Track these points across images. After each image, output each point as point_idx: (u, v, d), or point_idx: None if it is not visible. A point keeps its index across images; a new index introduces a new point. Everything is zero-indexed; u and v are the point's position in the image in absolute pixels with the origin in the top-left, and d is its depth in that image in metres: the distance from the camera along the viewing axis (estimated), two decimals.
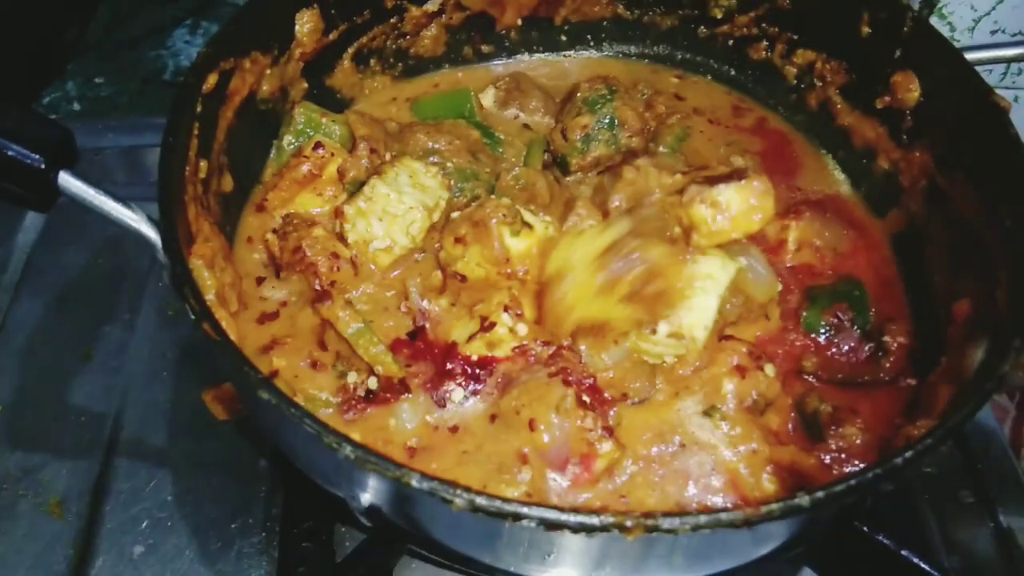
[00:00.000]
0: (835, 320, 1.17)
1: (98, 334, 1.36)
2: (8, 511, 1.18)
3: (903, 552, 1.04)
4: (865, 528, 1.06)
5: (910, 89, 1.20)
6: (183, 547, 1.15)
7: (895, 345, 1.14)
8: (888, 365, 1.14)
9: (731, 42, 1.45)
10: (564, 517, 0.75)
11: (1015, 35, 1.68)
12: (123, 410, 1.28)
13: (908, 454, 0.81)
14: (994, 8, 1.66)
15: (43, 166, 0.91)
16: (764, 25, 1.39)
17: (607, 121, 1.31)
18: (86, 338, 1.35)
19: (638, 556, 0.86)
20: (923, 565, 1.04)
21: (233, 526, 1.17)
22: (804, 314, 1.17)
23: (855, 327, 1.17)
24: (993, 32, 1.69)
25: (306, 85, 1.33)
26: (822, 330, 1.16)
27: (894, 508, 1.20)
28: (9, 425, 1.26)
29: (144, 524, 1.17)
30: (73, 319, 1.38)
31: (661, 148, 1.33)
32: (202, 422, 1.24)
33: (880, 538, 1.05)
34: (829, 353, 1.16)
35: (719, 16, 1.42)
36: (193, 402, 1.25)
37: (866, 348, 1.16)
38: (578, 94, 1.34)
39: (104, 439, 1.24)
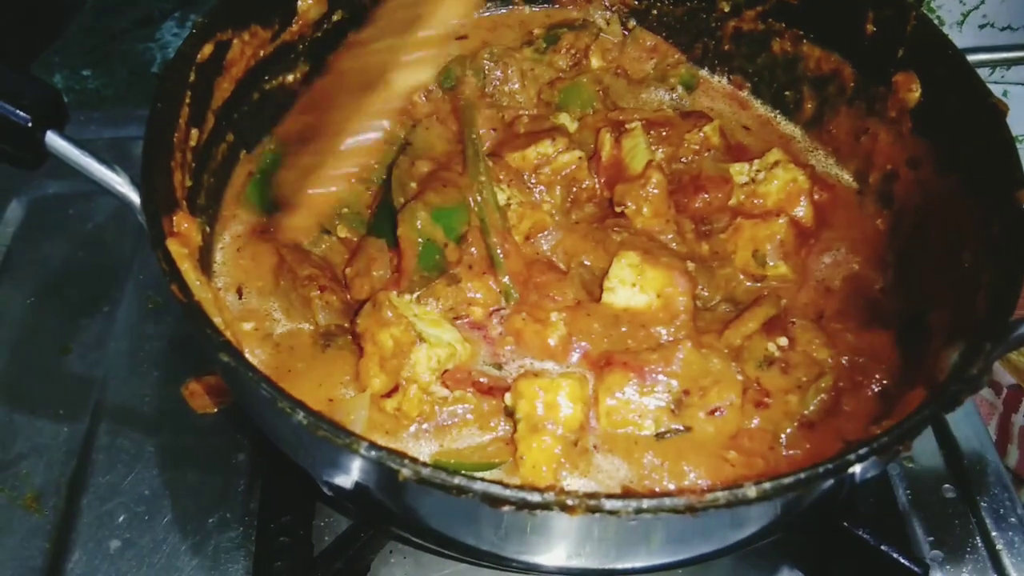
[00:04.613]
0: None
1: (77, 327, 1.35)
2: None
3: (883, 547, 1.04)
4: (846, 523, 1.06)
5: (911, 89, 1.18)
6: (160, 542, 1.14)
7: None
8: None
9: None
10: (507, 493, 0.74)
11: (1004, 29, 1.67)
12: (102, 403, 1.27)
13: (862, 450, 0.79)
14: (983, 2, 1.65)
15: (30, 125, 0.94)
16: (771, 20, 1.37)
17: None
18: (65, 331, 1.34)
19: (615, 537, 0.84)
20: (903, 560, 1.04)
21: (211, 521, 1.16)
22: None
23: None
24: (982, 26, 1.69)
25: (307, 64, 1.30)
26: None
27: (876, 504, 1.19)
28: None
29: (121, 518, 1.16)
30: (52, 312, 1.37)
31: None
32: (181, 416, 1.23)
33: (860, 533, 1.05)
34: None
35: (727, 10, 1.41)
36: (172, 396, 1.25)
37: None
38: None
39: (82, 433, 1.23)
